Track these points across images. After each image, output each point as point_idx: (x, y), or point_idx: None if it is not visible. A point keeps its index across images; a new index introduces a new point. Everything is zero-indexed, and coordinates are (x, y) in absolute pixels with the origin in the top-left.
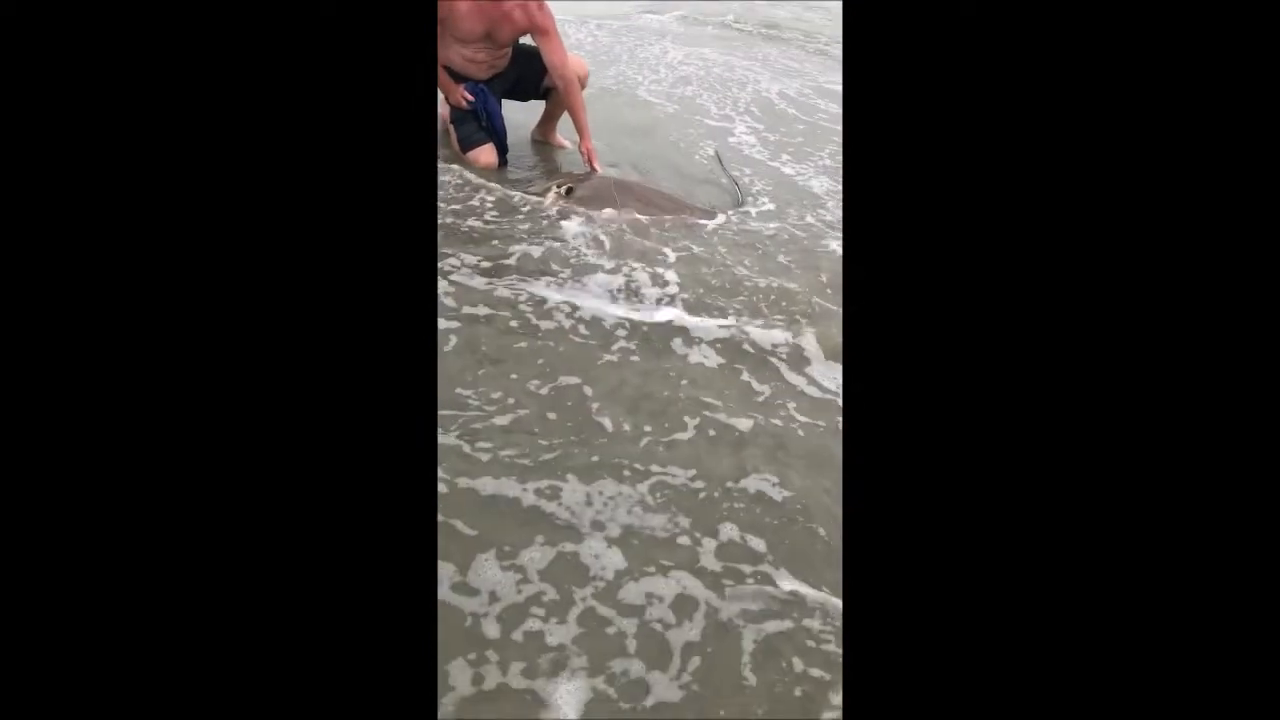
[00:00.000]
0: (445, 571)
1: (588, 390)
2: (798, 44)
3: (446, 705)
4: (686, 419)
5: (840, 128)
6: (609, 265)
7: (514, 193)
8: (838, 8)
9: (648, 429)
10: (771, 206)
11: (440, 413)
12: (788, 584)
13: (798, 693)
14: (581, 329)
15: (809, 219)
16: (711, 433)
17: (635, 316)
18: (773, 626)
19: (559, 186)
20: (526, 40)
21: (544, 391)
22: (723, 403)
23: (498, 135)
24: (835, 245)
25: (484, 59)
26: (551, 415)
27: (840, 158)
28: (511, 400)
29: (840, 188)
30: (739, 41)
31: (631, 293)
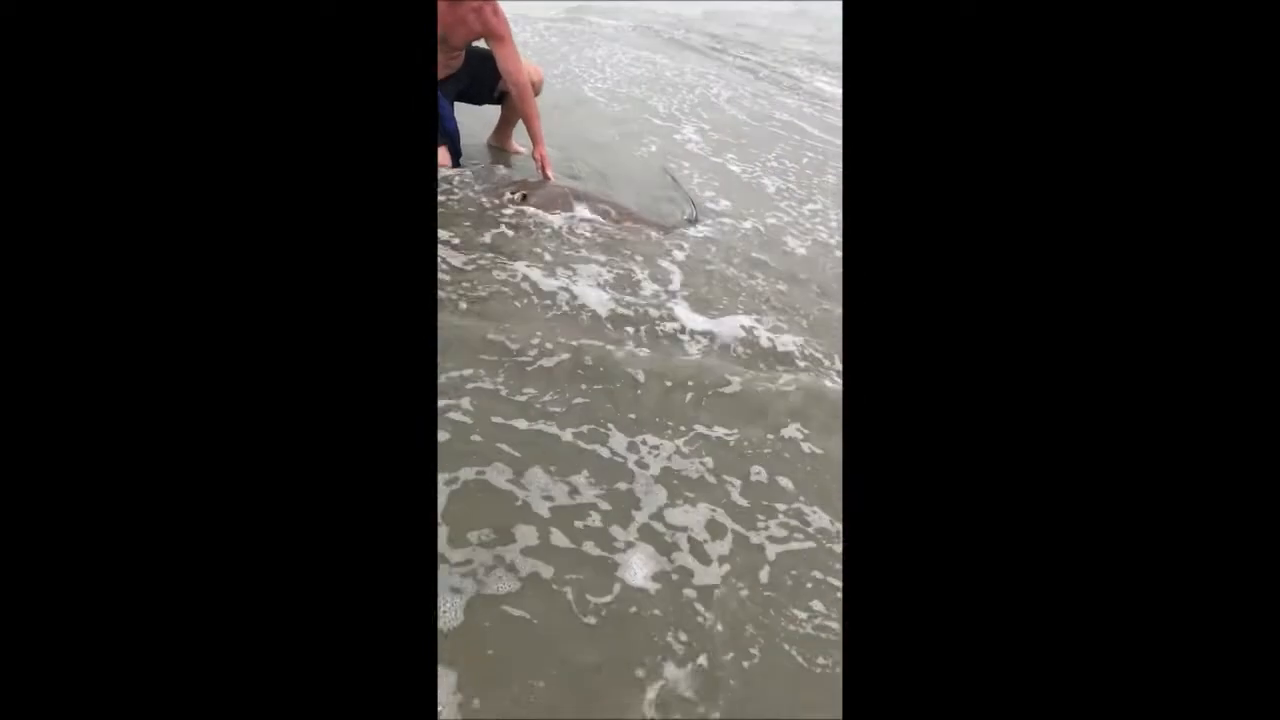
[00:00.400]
0: (497, 475)
1: (610, 346)
2: (743, 57)
3: (511, 552)
4: (728, 376)
5: (788, 134)
6: (601, 258)
7: (469, 174)
8: (789, 26)
9: (690, 383)
10: (727, 204)
11: (475, 357)
12: (816, 519)
13: (809, 586)
14: (584, 314)
15: (769, 220)
16: (759, 388)
17: (629, 299)
18: (796, 545)
19: (513, 193)
20: (481, 43)
21: (573, 343)
22: (749, 370)
23: (450, 138)
24: (796, 243)
25: (438, 60)
26: (588, 360)
27: (790, 161)
28: (550, 345)
29: (790, 187)
30: (689, 51)
31: (624, 279)
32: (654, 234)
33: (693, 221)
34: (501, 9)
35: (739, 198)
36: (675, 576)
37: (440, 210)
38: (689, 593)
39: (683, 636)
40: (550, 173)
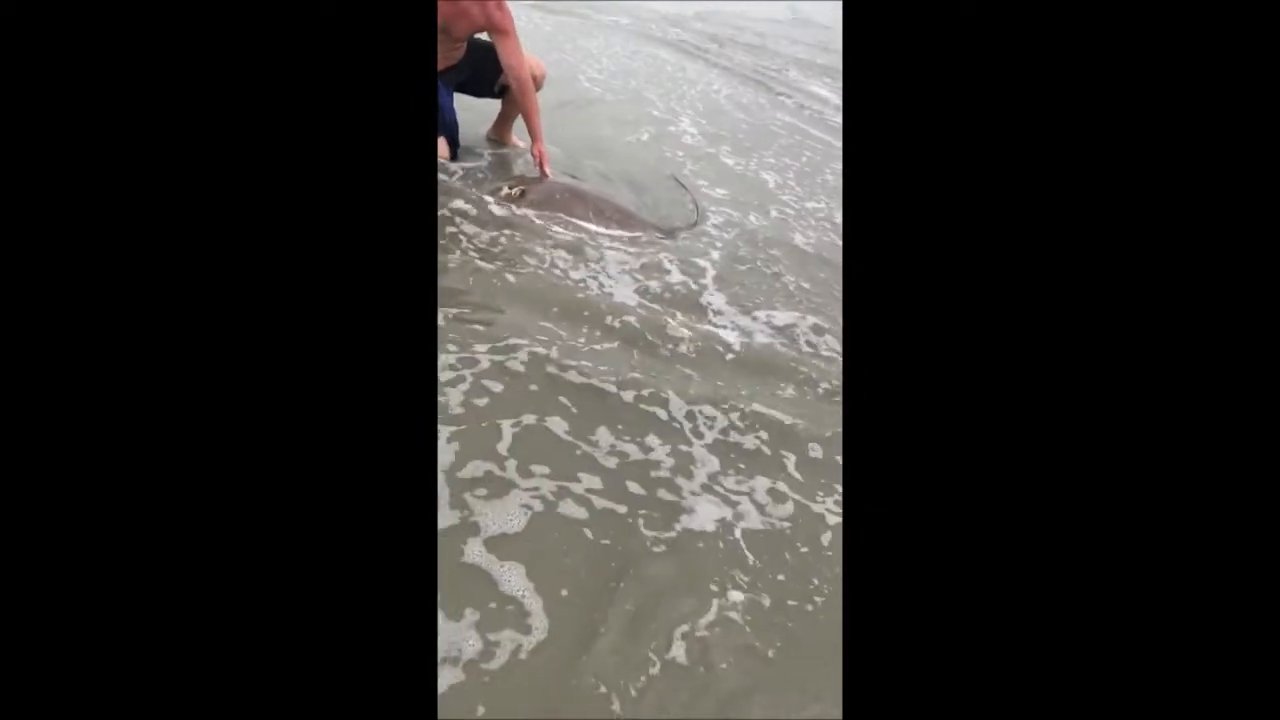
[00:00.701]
0: (557, 424)
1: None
2: (739, 59)
3: (578, 488)
4: (775, 364)
5: (788, 134)
6: (618, 251)
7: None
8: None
9: (740, 371)
10: (731, 200)
11: (525, 329)
12: None
13: None
14: (616, 301)
15: (774, 214)
16: (807, 389)
17: (662, 292)
18: None
19: (510, 188)
20: (483, 35)
21: (616, 324)
22: (799, 360)
23: (449, 129)
24: (803, 239)
25: (438, 51)
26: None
27: (789, 159)
28: (598, 332)
29: (790, 183)
30: (684, 50)
31: (650, 270)
32: (656, 234)
33: (694, 224)
34: (506, 3)
35: (741, 193)
36: (739, 528)
37: (440, 200)
38: (755, 540)
39: (747, 577)
40: (548, 169)
